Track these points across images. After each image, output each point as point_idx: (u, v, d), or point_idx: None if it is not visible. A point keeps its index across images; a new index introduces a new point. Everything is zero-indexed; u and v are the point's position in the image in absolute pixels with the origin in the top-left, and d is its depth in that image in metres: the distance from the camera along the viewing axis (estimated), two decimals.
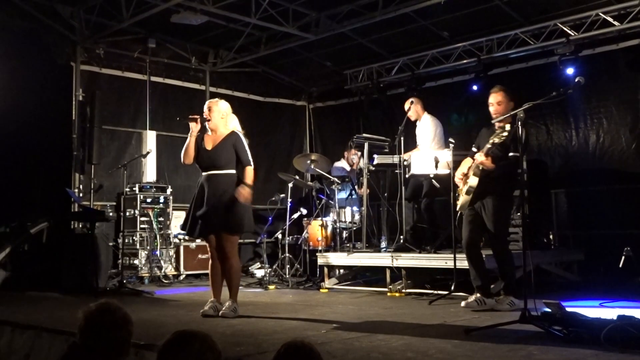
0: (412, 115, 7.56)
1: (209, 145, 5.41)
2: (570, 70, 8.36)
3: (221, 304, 5.30)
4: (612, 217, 8.03)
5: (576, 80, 4.47)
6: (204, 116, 5.46)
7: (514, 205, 6.16)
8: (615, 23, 8.10)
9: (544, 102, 4.60)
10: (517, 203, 6.38)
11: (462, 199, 5.50)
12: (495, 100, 5.48)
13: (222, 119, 5.47)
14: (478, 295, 5.38)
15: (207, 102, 5.60)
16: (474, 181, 5.34)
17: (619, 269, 7.08)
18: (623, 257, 7.04)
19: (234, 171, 5.35)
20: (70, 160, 9.14)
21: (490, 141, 5.17)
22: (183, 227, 5.54)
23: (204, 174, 5.40)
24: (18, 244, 8.07)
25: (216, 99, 5.66)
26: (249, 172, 5.35)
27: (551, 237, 7.88)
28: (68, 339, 4.05)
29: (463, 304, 5.36)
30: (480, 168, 5.32)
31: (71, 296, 7.13)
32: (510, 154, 5.26)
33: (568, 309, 4.15)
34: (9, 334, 4.83)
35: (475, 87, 9.41)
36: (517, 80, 9.33)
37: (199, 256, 9.26)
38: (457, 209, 5.71)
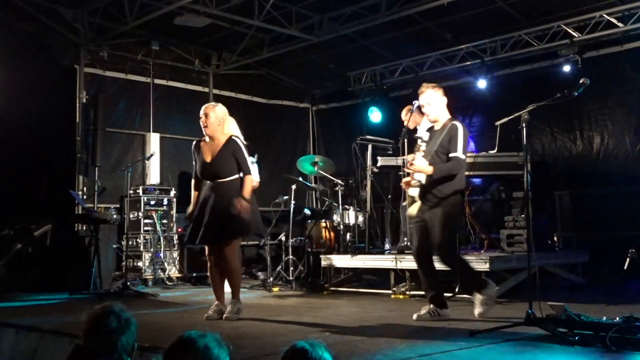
0: (410, 125, 7.52)
1: (207, 157, 5.31)
2: (574, 72, 8.35)
3: (225, 307, 5.29)
4: (616, 219, 8.01)
5: (580, 81, 4.45)
6: (201, 122, 5.38)
7: (460, 211, 5.42)
8: (619, 24, 8.09)
9: (548, 104, 4.59)
10: (521, 204, 6.38)
11: (411, 207, 5.11)
12: (424, 101, 5.09)
13: (219, 124, 5.35)
14: (431, 306, 4.98)
15: (203, 108, 5.45)
16: (413, 192, 5.00)
17: (623, 271, 7.06)
18: (628, 259, 7.01)
19: (237, 176, 5.30)
20: (74, 162, 9.15)
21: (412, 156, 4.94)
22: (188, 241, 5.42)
23: (208, 182, 5.34)
24: (22, 246, 8.09)
25: (212, 104, 5.53)
26: (248, 182, 5.26)
27: (555, 239, 7.87)
28: (72, 341, 4.04)
29: (415, 316, 4.97)
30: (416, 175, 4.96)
31: (75, 298, 7.14)
32: (451, 154, 4.90)
33: (573, 311, 4.14)
34: (13, 337, 4.83)
35: (479, 89, 9.41)
36: (521, 82, 9.35)
37: (203, 258, 9.23)
38: (407, 215, 5.42)
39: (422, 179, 4.93)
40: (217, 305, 5.30)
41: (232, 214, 5.12)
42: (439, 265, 5.08)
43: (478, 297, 5.03)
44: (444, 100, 5.11)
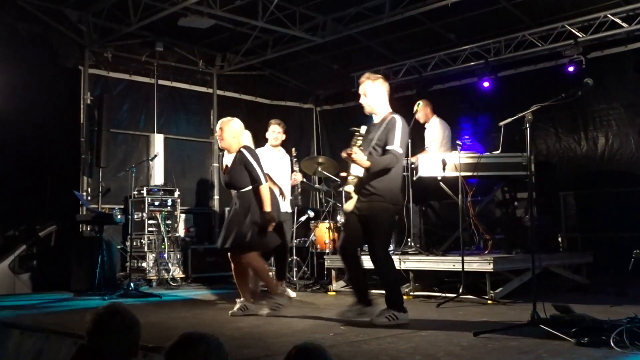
0: (420, 117, 7.55)
1: (225, 169, 5.59)
2: (578, 72, 8.33)
3: (250, 303, 5.47)
4: (621, 220, 7.98)
5: (584, 81, 4.45)
6: (216, 136, 5.60)
7: (398, 209, 5.13)
8: (624, 25, 8.06)
9: (552, 104, 4.58)
10: (525, 205, 6.37)
11: (347, 202, 4.99)
12: (361, 92, 4.94)
13: (234, 137, 5.50)
14: (358, 306, 4.89)
15: (219, 122, 5.63)
16: (349, 187, 4.84)
17: (628, 272, 7.03)
18: (632, 260, 6.98)
19: (251, 187, 5.44)
20: (79, 163, 9.18)
21: (352, 145, 4.71)
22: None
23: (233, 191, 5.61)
24: (27, 246, 8.12)
25: (228, 118, 5.63)
26: (264, 194, 5.36)
27: (560, 239, 7.85)
28: (76, 341, 4.05)
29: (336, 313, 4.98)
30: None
31: (79, 299, 7.16)
32: (388, 147, 4.73)
33: (577, 312, 4.13)
34: (17, 337, 4.85)
35: (483, 90, 9.40)
36: (525, 82, 9.33)
37: (207, 259, 9.26)
38: (343, 210, 5.32)
39: (360, 173, 4.77)
40: (241, 302, 5.50)
41: (244, 226, 5.33)
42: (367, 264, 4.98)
43: (383, 309, 4.76)
44: (384, 92, 4.95)
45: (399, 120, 4.82)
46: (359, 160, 4.69)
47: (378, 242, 4.82)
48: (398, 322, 4.67)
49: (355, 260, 4.99)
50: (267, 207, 5.33)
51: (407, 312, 4.80)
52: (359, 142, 4.74)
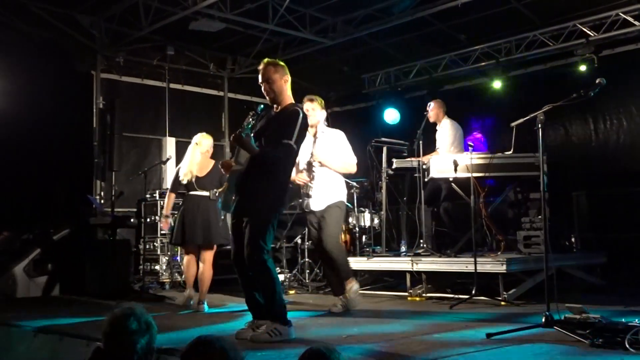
0: (431, 116, 7.55)
1: None
2: (590, 71, 8.29)
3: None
4: (634, 219, 7.92)
5: (597, 81, 4.43)
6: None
7: (279, 209, 4.50)
8: (636, 23, 8.02)
9: (564, 104, 4.56)
10: (537, 205, 6.33)
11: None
12: (261, 78, 4.49)
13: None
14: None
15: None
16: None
17: None
18: None
19: None
20: (92, 167, 9.25)
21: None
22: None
23: None
24: (42, 250, 8.18)
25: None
26: None
27: (573, 240, 7.80)
28: (89, 343, 4.08)
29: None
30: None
31: (93, 301, 7.21)
32: (284, 140, 4.24)
33: (591, 313, 4.11)
34: (31, 339, 4.89)
35: (494, 90, 9.38)
36: (536, 82, 9.30)
37: (219, 261, 9.26)
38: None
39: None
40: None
41: None
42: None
43: (266, 325, 4.28)
44: (285, 81, 4.49)
45: (300, 114, 4.41)
46: (248, 146, 4.24)
47: (251, 239, 4.24)
48: (281, 338, 4.18)
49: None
50: None
51: (292, 326, 4.32)
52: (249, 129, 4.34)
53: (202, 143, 6.45)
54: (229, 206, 4.43)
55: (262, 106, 4.55)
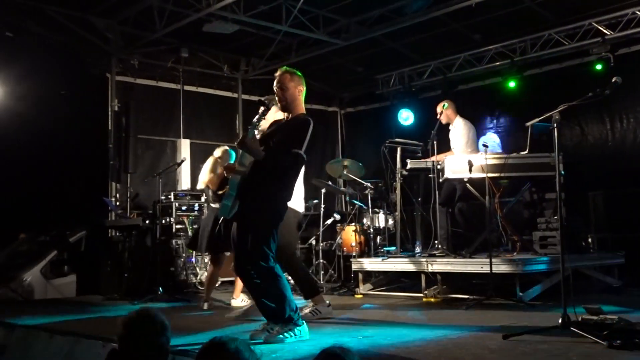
0: (443, 118, 7.52)
1: None
2: (605, 70, 8.21)
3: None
4: None
5: (613, 80, 4.37)
6: None
7: (282, 215, 4.38)
8: None
9: (580, 104, 4.51)
10: (553, 205, 6.28)
11: None
12: (276, 85, 4.47)
13: None
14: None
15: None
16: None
17: None
18: None
19: None
20: (107, 169, 9.32)
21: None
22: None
23: None
24: (58, 252, 8.25)
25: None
26: None
27: (590, 240, 7.72)
28: (105, 344, 4.11)
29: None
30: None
31: (109, 303, 7.25)
32: (293, 150, 4.20)
33: (609, 314, 4.07)
34: (47, 340, 4.92)
35: (509, 90, 9.32)
36: (551, 81, 9.23)
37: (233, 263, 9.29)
38: None
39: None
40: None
41: None
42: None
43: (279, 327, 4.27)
44: (299, 91, 4.47)
45: (311, 124, 4.37)
46: (253, 149, 4.20)
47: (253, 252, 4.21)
48: (296, 339, 4.23)
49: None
50: None
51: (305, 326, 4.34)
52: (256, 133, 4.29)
53: (224, 159, 6.70)
54: (228, 211, 4.24)
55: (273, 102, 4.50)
